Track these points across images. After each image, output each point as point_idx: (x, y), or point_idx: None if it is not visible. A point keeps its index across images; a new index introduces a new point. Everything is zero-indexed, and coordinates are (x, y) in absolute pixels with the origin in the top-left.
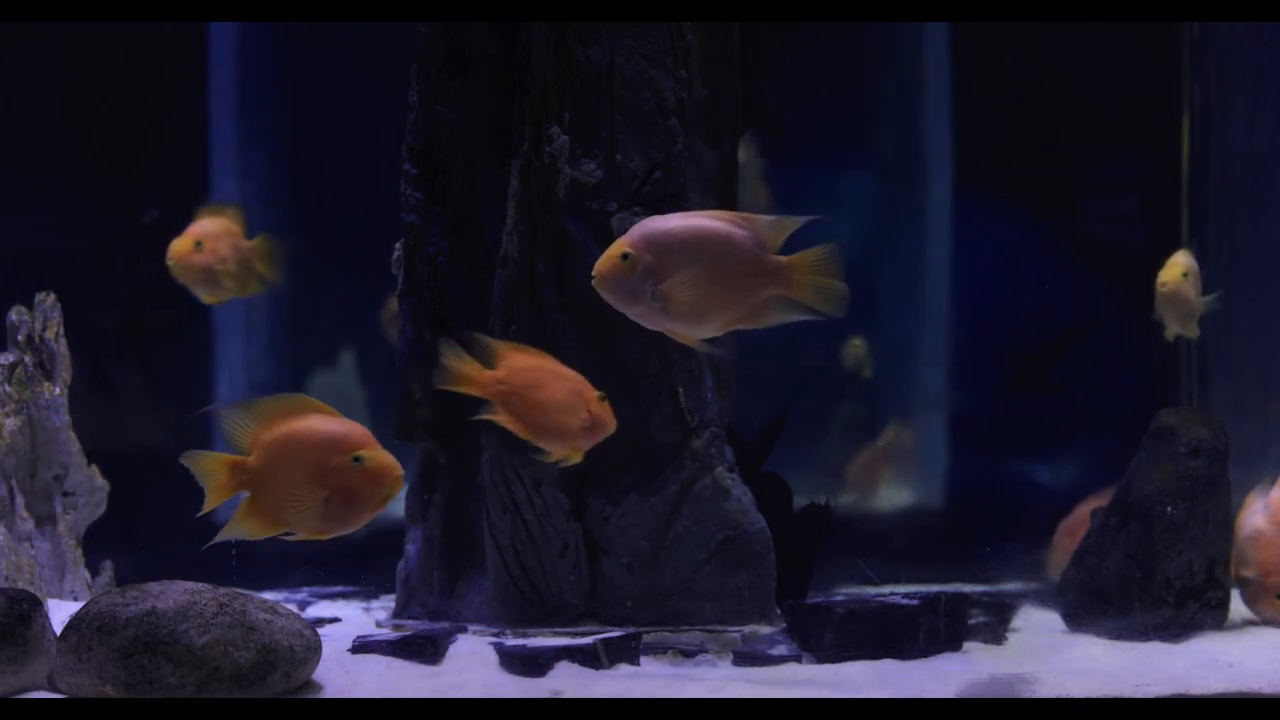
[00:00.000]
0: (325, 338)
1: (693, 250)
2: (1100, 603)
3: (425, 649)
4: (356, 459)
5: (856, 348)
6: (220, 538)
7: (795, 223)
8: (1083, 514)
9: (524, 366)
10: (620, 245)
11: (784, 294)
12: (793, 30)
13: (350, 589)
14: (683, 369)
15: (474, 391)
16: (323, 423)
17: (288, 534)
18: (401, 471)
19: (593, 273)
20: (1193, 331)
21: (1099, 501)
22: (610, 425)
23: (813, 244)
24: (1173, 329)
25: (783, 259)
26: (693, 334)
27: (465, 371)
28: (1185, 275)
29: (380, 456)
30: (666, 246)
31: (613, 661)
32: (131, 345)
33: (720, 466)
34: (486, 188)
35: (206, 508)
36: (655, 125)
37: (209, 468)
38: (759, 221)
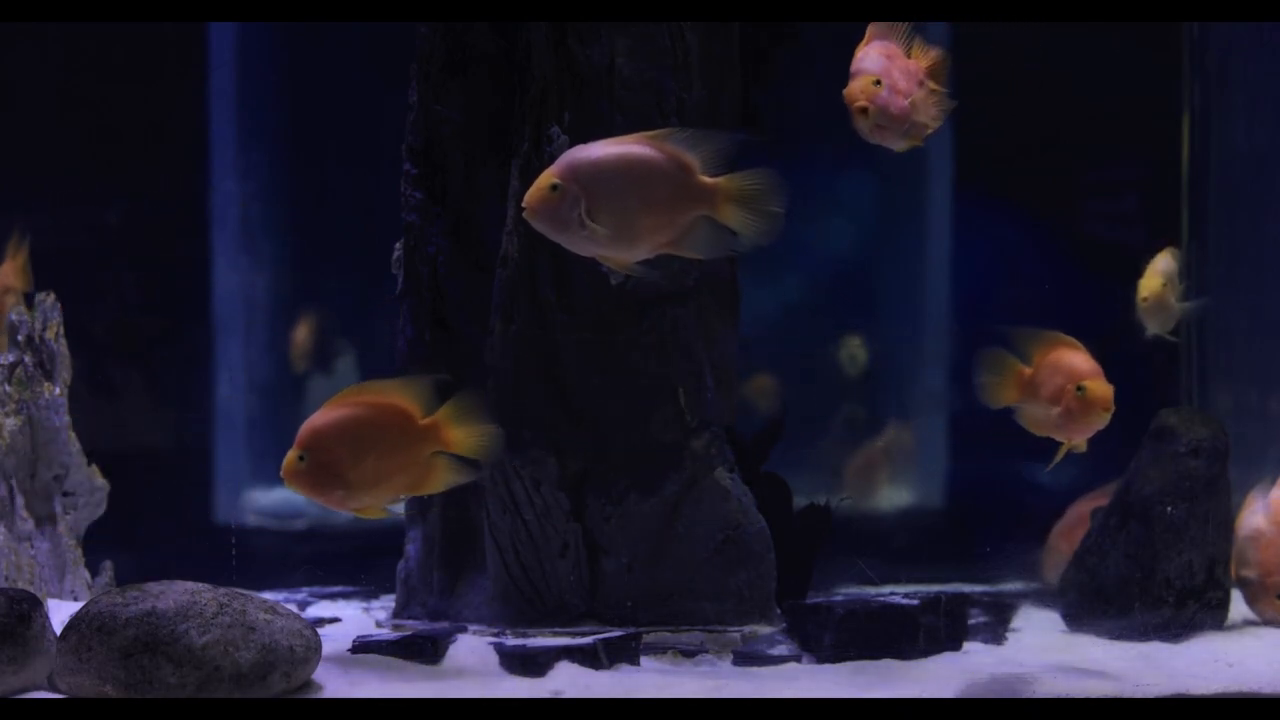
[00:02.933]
0: (325, 338)
1: (618, 176)
2: (1100, 603)
3: (425, 649)
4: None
5: (855, 347)
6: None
7: (717, 138)
8: (1076, 515)
9: (1047, 362)
10: (548, 176)
11: (712, 215)
12: (792, 30)
13: (350, 589)
14: (683, 369)
15: (1012, 399)
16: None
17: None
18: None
19: (523, 204)
20: (1167, 326)
21: (1092, 503)
22: (1092, 416)
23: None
24: (1152, 329)
25: (709, 180)
26: (623, 258)
27: (1007, 378)
28: (1165, 284)
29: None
30: (592, 174)
31: (613, 661)
32: (127, 349)
33: (720, 466)
34: (486, 188)
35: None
36: (655, 125)
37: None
38: (680, 141)
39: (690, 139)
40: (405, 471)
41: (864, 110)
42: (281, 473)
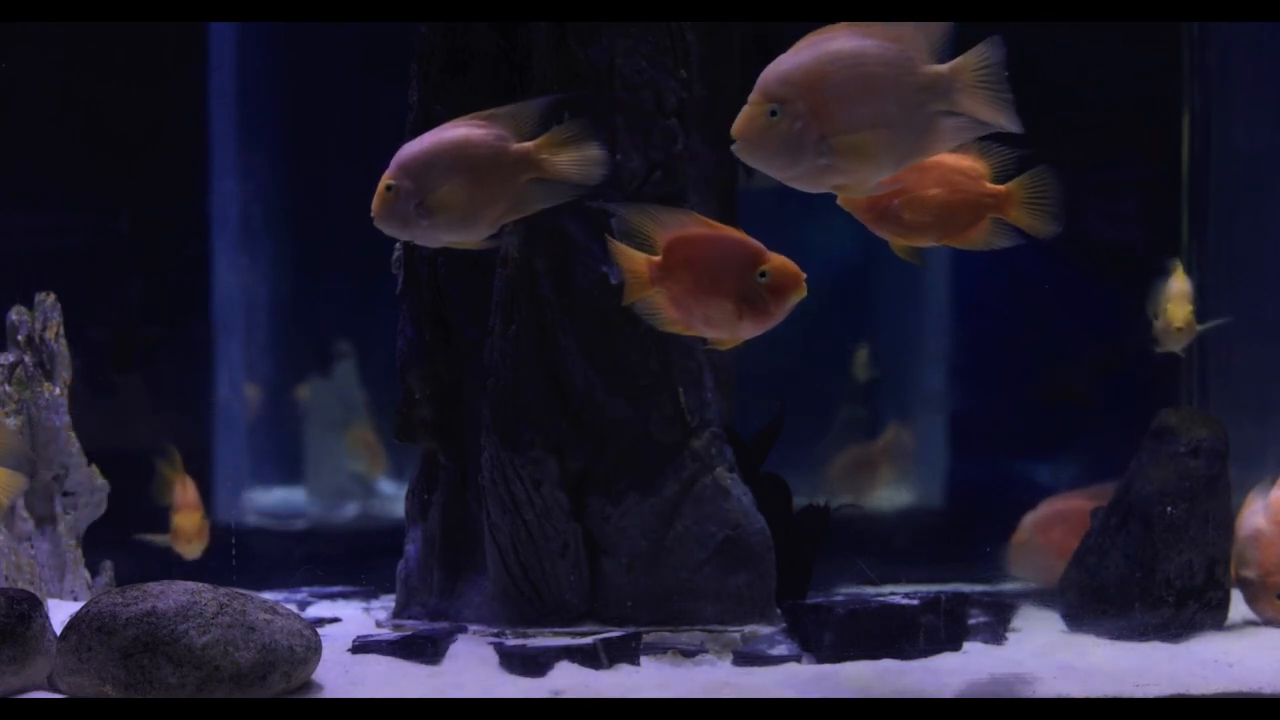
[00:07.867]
0: (325, 337)
1: (443, 161)
2: (1100, 603)
3: (425, 649)
4: (762, 274)
5: (855, 348)
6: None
7: (530, 104)
8: (1050, 510)
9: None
10: (383, 180)
11: (541, 176)
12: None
13: (350, 589)
14: (683, 369)
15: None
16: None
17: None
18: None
19: (372, 214)
20: (1182, 345)
21: (1069, 499)
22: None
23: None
24: (1171, 348)
25: (527, 144)
26: (468, 237)
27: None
28: (1192, 309)
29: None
30: (420, 166)
31: (613, 661)
32: (124, 358)
33: (720, 466)
34: None
35: (629, 299)
36: (655, 125)
37: (634, 262)
38: (498, 116)
39: (508, 111)
40: None
41: None
42: None
